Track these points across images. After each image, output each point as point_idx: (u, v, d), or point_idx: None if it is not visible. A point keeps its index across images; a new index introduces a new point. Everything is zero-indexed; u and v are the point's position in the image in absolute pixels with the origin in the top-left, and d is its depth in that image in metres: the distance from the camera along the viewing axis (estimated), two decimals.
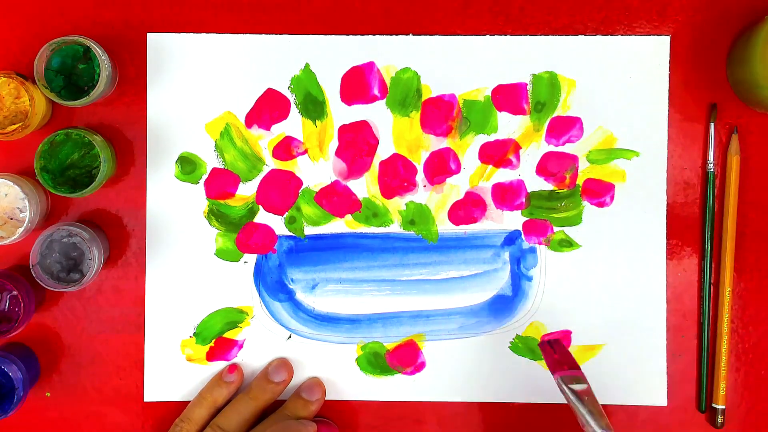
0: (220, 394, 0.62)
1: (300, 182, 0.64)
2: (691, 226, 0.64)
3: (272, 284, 0.64)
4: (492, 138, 0.63)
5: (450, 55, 0.63)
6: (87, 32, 0.62)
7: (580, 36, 0.63)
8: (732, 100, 0.63)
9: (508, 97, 0.63)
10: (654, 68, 0.63)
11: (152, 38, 0.63)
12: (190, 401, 0.63)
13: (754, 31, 0.59)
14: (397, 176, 0.64)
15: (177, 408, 0.63)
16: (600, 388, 0.58)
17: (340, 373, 0.64)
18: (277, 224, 0.64)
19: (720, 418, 0.63)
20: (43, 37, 0.60)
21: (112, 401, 0.63)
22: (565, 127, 0.63)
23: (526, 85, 0.63)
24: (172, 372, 0.63)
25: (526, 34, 0.63)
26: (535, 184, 0.63)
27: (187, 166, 0.63)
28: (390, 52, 0.63)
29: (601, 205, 0.63)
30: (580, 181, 0.63)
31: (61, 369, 0.63)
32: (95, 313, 0.63)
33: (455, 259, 0.64)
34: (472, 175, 0.63)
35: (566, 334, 0.63)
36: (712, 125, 0.63)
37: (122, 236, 0.63)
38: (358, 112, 0.63)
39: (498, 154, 0.63)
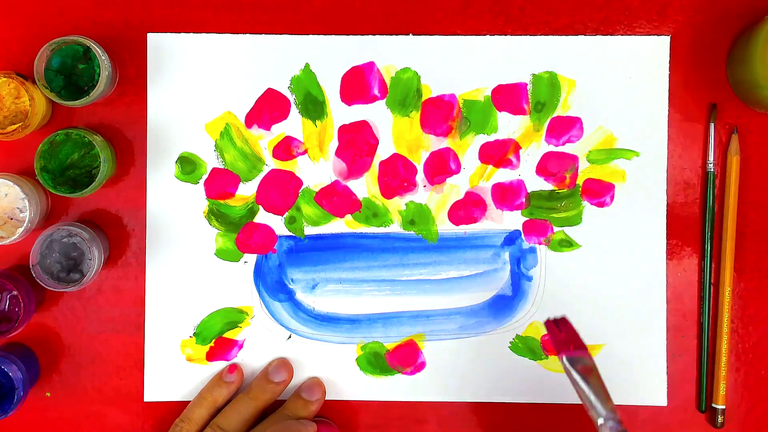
0: (220, 394, 0.62)
1: (300, 182, 0.64)
2: (691, 226, 0.64)
3: (272, 284, 0.64)
4: (492, 138, 0.63)
5: (450, 55, 0.63)
6: (87, 32, 0.62)
7: (580, 36, 0.63)
8: (732, 100, 0.63)
9: (508, 97, 0.63)
10: (654, 68, 0.63)
11: (152, 38, 0.63)
12: (190, 401, 0.62)
13: (754, 31, 0.59)
14: (397, 176, 0.64)
15: (177, 408, 0.63)
16: None
17: (340, 373, 0.64)
18: (277, 224, 0.64)
19: (720, 418, 0.63)
20: (43, 37, 0.60)
21: (112, 401, 0.63)
22: (565, 127, 0.63)
23: (526, 85, 0.63)
24: (172, 372, 0.63)
25: (526, 34, 0.63)
26: (535, 184, 0.63)
27: (187, 166, 0.63)
28: (390, 52, 0.63)
29: (601, 205, 0.63)
30: (580, 181, 0.63)
31: (61, 369, 0.63)
32: (95, 313, 0.63)
33: (455, 259, 0.64)
34: (472, 175, 0.63)
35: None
36: (712, 125, 0.63)
37: (122, 236, 0.63)
38: (358, 112, 0.63)
39: (498, 154, 0.63)
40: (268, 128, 0.63)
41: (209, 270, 0.63)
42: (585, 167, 0.63)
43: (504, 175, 0.64)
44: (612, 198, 0.63)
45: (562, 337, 0.55)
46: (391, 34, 0.63)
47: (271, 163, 0.63)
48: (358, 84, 0.63)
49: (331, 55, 0.63)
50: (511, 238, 0.64)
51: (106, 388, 0.63)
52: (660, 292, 0.63)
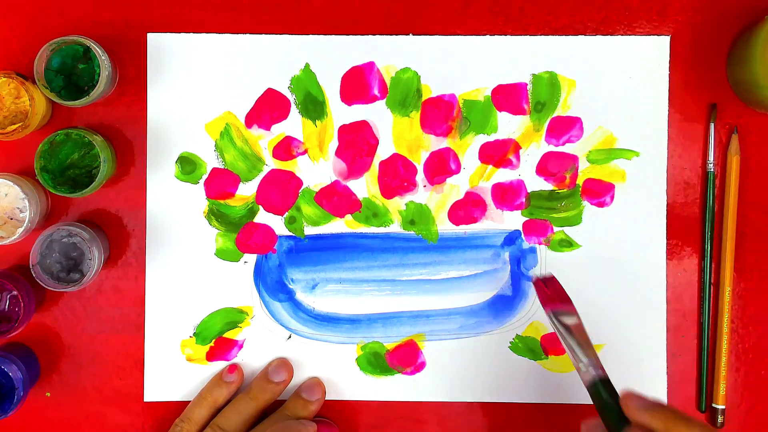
0: (220, 394, 0.62)
1: (300, 182, 0.64)
2: (691, 226, 0.64)
3: (272, 284, 0.64)
4: (492, 138, 0.63)
5: (450, 55, 0.63)
6: (87, 32, 0.62)
7: (580, 36, 0.63)
8: (732, 100, 0.63)
9: (508, 97, 0.63)
10: (654, 68, 0.63)
11: (152, 38, 0.63)
12: (190, 401, 0.62)
13: (754, 31, 0.59)
14: (397, 176, 0.63)
15: (177, 408, 0.63)
16: None
17: (340, 373, 0.64)
18: (277, 224, 0.64)
19: (720, 418, 0.63)
20: (43, 37, 0.60)
21: (112, 401, 0.63)
22: (565, 127, 0.63)
23: (526, 85, 0.63)
24: (172, 372, 0.63)
25: (526, 34, 0.63)
26: (535, 184, 0.63)
27: (187, 166, 0.63)
28: (390, 52, 0.63)
29: (601, 205, 0.63)
30: (580, 181, 0.63)
31: (61, 369, 0.63)
32: (95, 313, 0.63)
33: (455, 259, 0.64)
34: (472, 175, 0.63)
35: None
36: (712, 125, 0.63)
37: (122, 236, 0.63)
38: (358, 112, 0.63)
39: (498, 154, 0.63)
40: (268, 128, 0.63)
41: (209, 270, 0.63)
42: (585, 167, 0.63)
43: (504, 175, 0.64)
44: (612, 198, 0.63)
45: (549, 293, 0.57)
46: (391, 34, 0.63)
47: (271, 163, 0.63)
48: (358, 84, 0.63)
49: (331, 55, 0.63)
50: (511, 238, 0.64)
51: (106, 388, 0.63)
52: (660, 292, 0.63)
